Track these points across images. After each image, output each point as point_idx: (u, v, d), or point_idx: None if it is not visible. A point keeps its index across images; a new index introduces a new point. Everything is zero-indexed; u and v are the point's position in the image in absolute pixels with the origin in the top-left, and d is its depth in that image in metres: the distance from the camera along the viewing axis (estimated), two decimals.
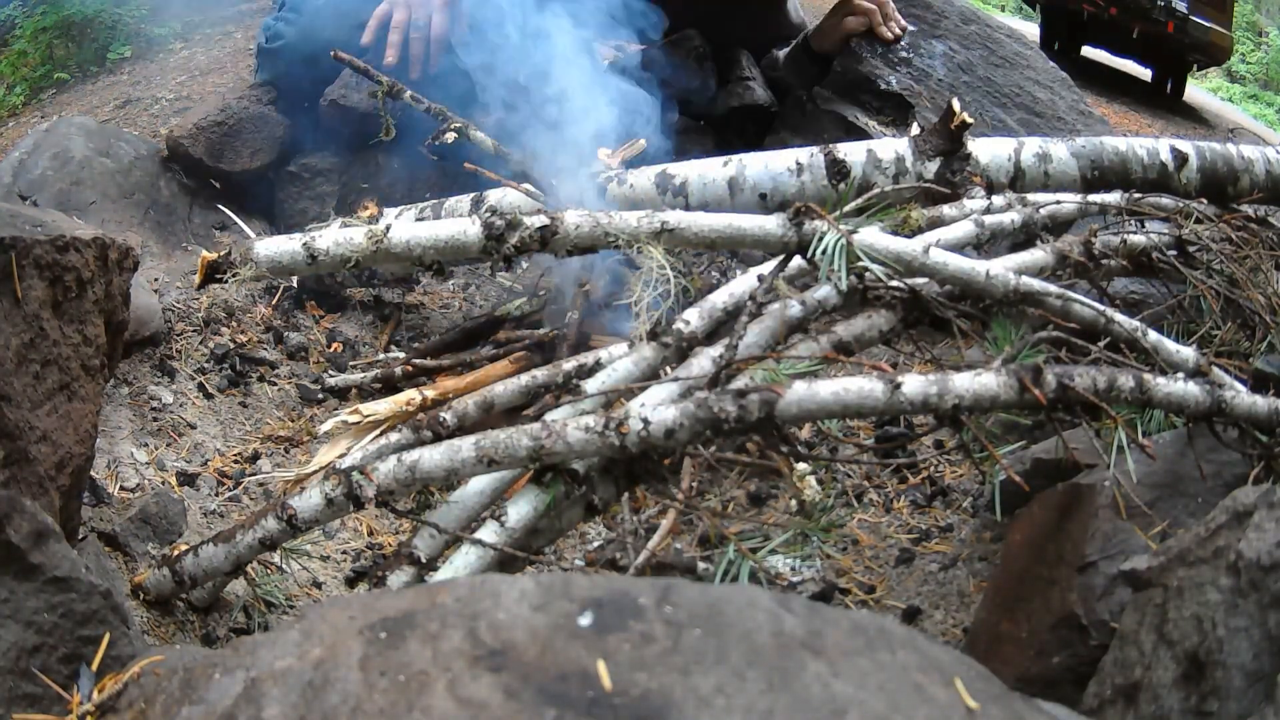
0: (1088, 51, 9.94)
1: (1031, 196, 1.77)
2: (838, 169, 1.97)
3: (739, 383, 1.17)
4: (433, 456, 1.16)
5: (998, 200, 1.75)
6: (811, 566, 1.50)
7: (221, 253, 1.28)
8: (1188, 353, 1.38)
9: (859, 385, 1.07)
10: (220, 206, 2.39)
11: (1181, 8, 8.50)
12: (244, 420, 1.89)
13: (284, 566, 1.42)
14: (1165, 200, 1.88)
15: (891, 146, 2.02)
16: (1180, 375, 1.19)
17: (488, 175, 1.83)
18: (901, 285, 1.33)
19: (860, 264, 1.24)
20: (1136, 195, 1.85)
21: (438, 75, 2.26)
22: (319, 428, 1.73)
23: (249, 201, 2.46)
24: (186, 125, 2.44)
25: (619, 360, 1.32)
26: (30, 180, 2.13)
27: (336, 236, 1.23)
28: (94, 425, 1.14)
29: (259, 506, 1.62)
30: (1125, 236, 1.68)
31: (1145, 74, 9.82)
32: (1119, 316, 1.37)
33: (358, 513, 1.39)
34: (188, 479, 1.64)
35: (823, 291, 1.34)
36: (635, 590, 0.67)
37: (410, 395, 1.74)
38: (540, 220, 1.24)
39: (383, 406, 1.69)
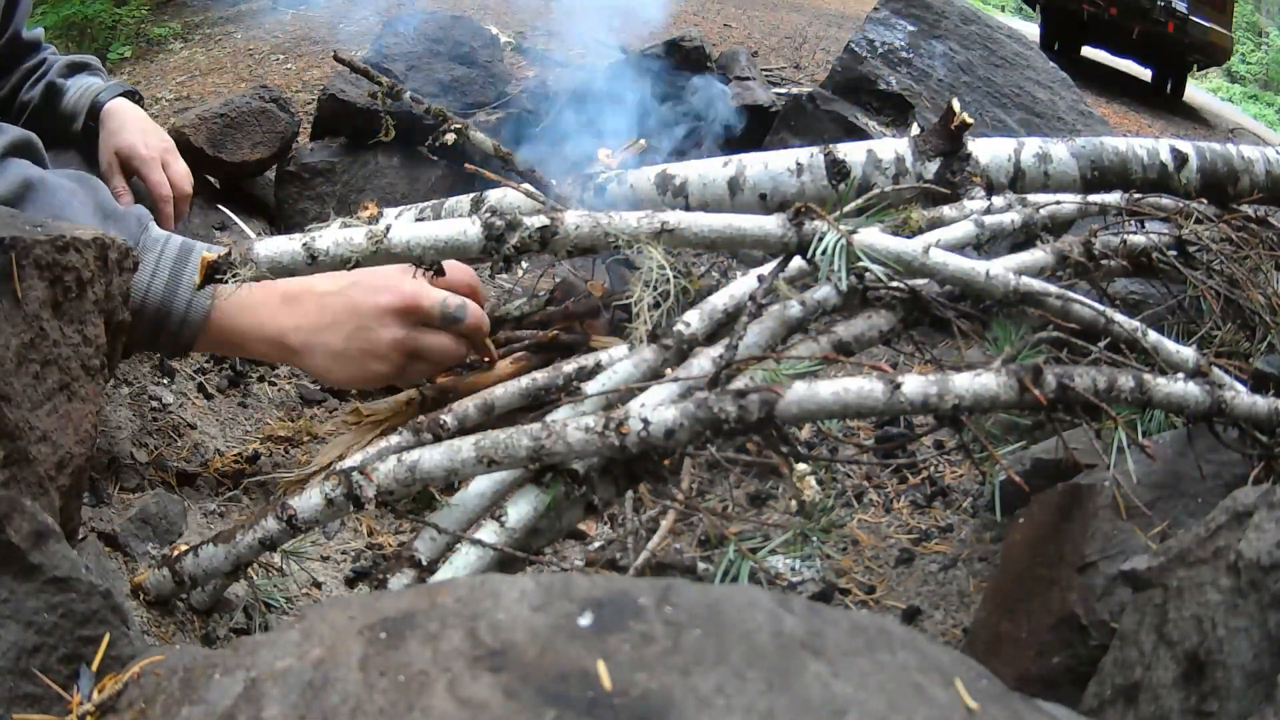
0: (1088, 51, 9.94)
1: (1031, 197, 1.77)
2: (838, 169, 1.97)
3: (739, 383, 1.17)
4: (433, 457, 1.16)
5: (998, 200, 1.75)
6: (811, 566, 1.50)
7: (221, 253, 1.28)
8: (1188, 353, 1.38)
9: (859, 385, 1.07)
10: (220, 207, 2.40)
11: (1181, 8, 8.51)
12: (244, 420, 1.89)
13: (284, 567, 1.42)
14: (1165, 200, 1.88)
15: (891, 146, 2.02)
16: (1180, 375, 1.18)
17: (488, 176, 1.83)
18: (901, 285, 1.33)
19: (860, 264, 1.24)
20: (1136, 195, 1.86)
21: None
22: (319, 428, 1.73)
23: (249, 202, 2.46)
24: (189, 117, 2.44)
25: (619, 362, 1.32)
26: None
27: (336, 236, 1.23)
28: (94, 425, 1.14)
29: (259, 506, 1.62)
30: (1125, 237, 1.68)
31: (1145, 74, 9.82)
32: (1119, 317, 1.37)
33: (358, 513, 1.39)
34: (188, 479, 1.64)
35: (823, 292, 1.34)
36: (635, 590, 0.67)
37: (410, 395, 1.74)
38: (540, 220, 1.24)
39: (383, 406, 1.69)
